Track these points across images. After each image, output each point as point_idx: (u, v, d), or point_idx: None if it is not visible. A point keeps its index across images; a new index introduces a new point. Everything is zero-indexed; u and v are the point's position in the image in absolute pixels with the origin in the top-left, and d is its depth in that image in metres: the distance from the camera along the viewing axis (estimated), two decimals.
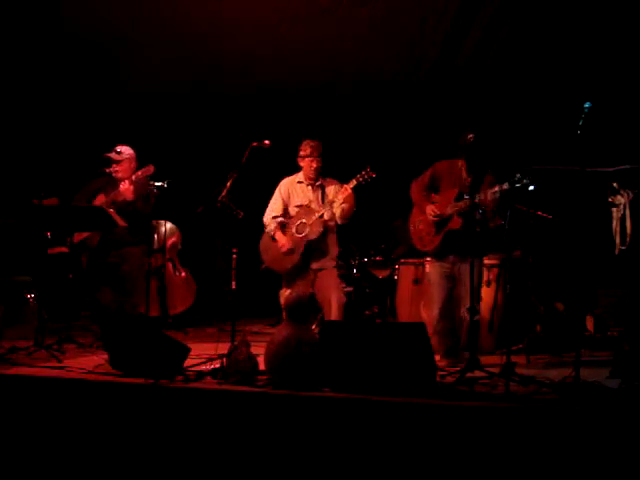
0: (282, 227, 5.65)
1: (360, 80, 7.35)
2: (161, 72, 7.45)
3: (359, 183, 5.36)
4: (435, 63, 7.24)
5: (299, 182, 5.71)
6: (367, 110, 7.46)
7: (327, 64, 7.28)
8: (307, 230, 5.51)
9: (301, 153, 5.61)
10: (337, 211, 5.51)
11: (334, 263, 5.64)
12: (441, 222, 4.92)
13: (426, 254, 5.35)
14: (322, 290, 5.48)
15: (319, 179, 5.66)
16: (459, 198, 4.83)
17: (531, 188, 4.41)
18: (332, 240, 5.63)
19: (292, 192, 5.71)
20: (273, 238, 5.66)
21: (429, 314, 5.30)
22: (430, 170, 5.07)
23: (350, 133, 7.39)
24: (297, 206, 5.65)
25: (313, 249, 5.53)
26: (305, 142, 5.59)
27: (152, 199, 5.74)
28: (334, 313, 5.42)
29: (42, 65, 7.38)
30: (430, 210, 4.94)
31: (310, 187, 5.67)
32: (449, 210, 4.86)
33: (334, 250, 5.65)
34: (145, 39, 7.21)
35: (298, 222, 5.57)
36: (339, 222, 5.57)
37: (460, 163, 4.90)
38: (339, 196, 5.44)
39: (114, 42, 7.28)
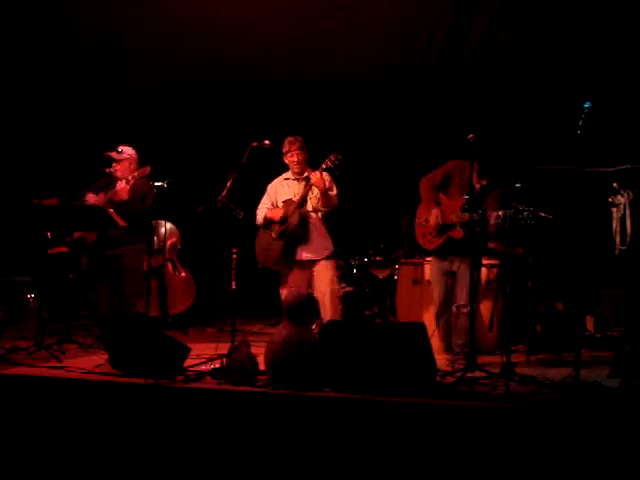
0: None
1: (361, 79, 7.35)
2: (161, 72, 7.44)
3: (328, 167, 5.35)
4: (436, 62, 7.24)
5: (286, 179, 5.69)
6: (368, 109, 7.46)
7: (328, 63, 7.27)
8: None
9: (283, 151, 5.61)
10: (314, 201, 5.50)
11: (327, 254, 5.54)
12: (443, 227, 4.90)
13: (426, 253, 5.36)
14: (316, 286, 5.47)
15: (305, 172, 5.60)
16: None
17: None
18: (319, 231, 5.55)
19: (279, 190, 5.69)
20: (265, 228, 5.61)
21: (428, 316, 5.33)
22: (442, 168, 5.02)
23: (350, 132, 7.39)
24: (283, 202, 5.61)
25: (297, 239, 5.48)
26: (284, 140, 5.58)
27: (149, 199, 5.72)
28: (327, 307, 5.40)
29: (42, 65, 7.38)
30: (434, 216, 4.92)
31: (297, 182, 5.64)
32: (453, 219, 4.82)
33: (324, 241, 5.56)
34: (145, 38, 7.20)
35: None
36: (323, 210, 5.51)
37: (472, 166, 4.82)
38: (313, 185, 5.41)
39: (114, 42, 7.27)
